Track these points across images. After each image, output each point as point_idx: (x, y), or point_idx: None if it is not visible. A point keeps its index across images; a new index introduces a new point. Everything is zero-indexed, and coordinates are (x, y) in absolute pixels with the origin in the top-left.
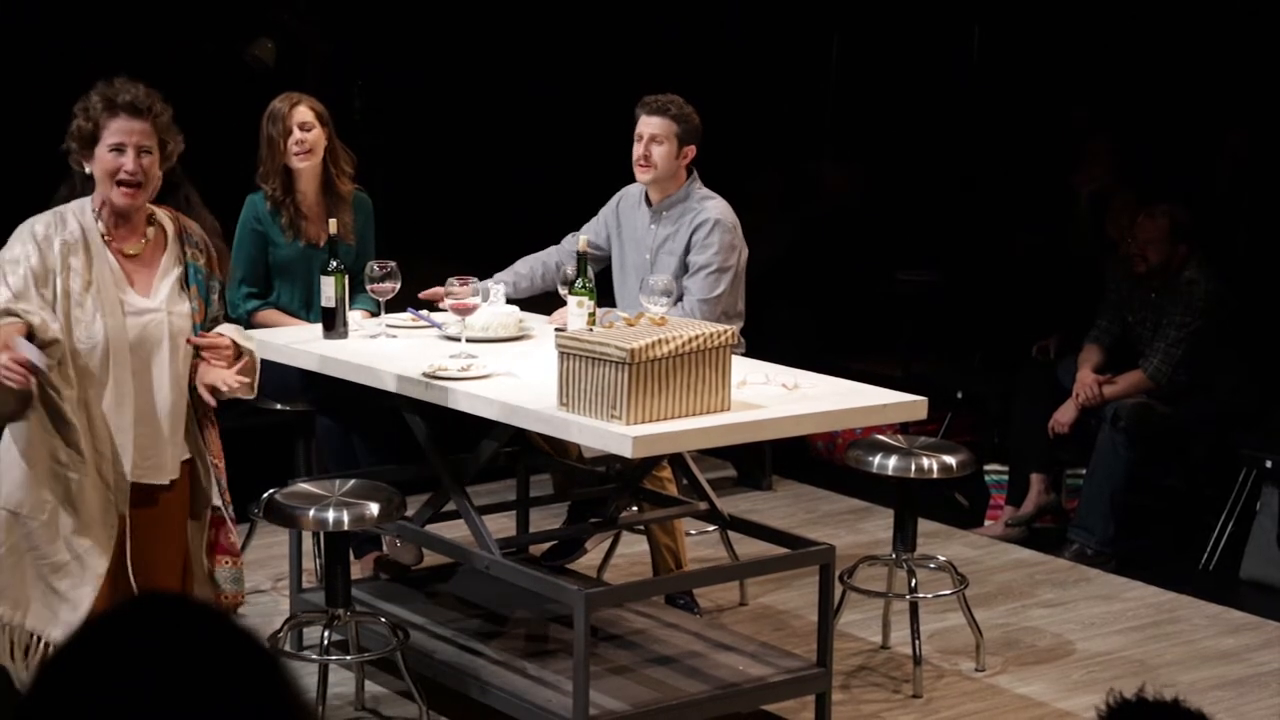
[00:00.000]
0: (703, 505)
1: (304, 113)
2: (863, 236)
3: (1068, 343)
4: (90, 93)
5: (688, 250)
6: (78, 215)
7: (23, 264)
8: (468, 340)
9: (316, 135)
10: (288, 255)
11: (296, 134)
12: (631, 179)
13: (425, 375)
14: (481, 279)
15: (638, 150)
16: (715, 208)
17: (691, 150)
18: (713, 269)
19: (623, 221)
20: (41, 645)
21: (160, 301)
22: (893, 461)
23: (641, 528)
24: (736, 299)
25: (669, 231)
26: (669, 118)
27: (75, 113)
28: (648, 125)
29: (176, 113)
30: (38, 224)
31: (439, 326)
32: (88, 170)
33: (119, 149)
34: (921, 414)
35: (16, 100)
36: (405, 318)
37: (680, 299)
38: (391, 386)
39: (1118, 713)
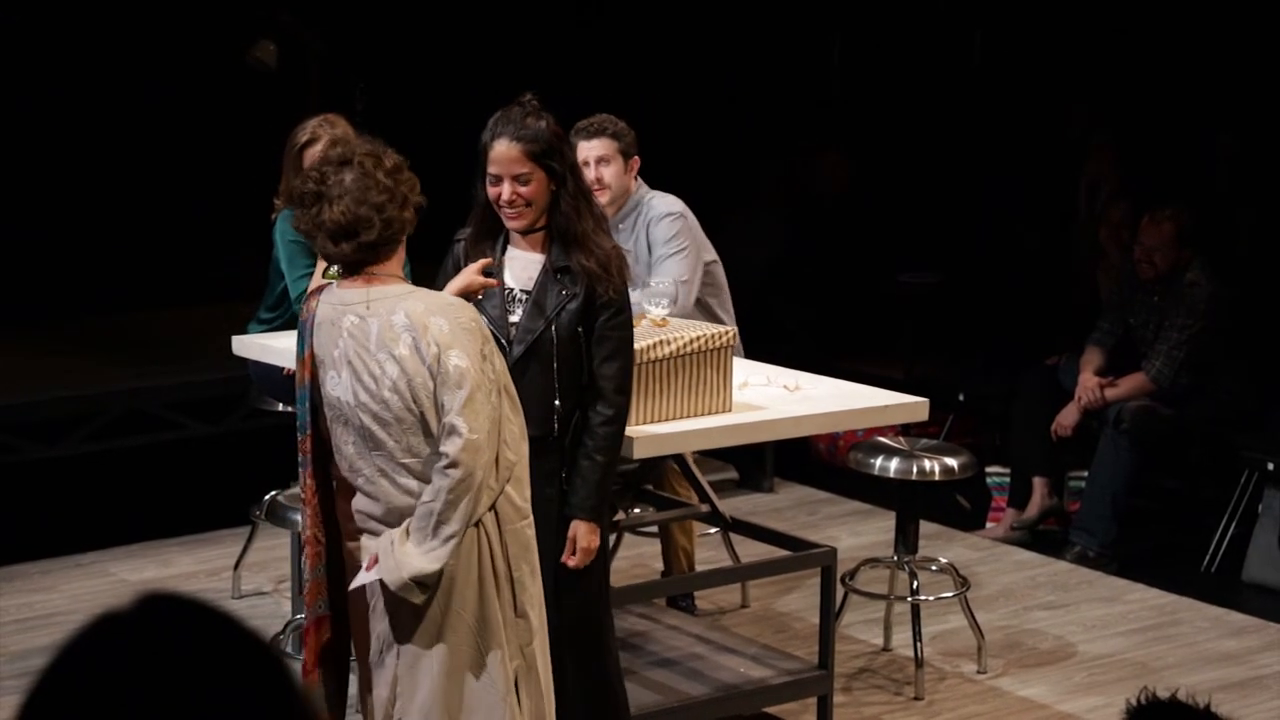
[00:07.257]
0: (704, 507)
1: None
2: (864, 238)
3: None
4: None
5: (649, 249)
6: None
7: None
8: None
9: None
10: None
11: None
12: None
13: None
14: None
15: (589, 176)
16: (662, 202)
17: (637, 161)
18: (675, 251)
19: None
20: None
21: None
22: (894, 463)
23: (641, 529)
24: (723, 300)
25: (627, 241)
26: (608, 137)
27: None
28: (590, 150)
29: (179, 115)
30: None
31: None
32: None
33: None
34: (923, 416)
35: (16, 100)
36: None
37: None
38: None
39: (1147, 710)
